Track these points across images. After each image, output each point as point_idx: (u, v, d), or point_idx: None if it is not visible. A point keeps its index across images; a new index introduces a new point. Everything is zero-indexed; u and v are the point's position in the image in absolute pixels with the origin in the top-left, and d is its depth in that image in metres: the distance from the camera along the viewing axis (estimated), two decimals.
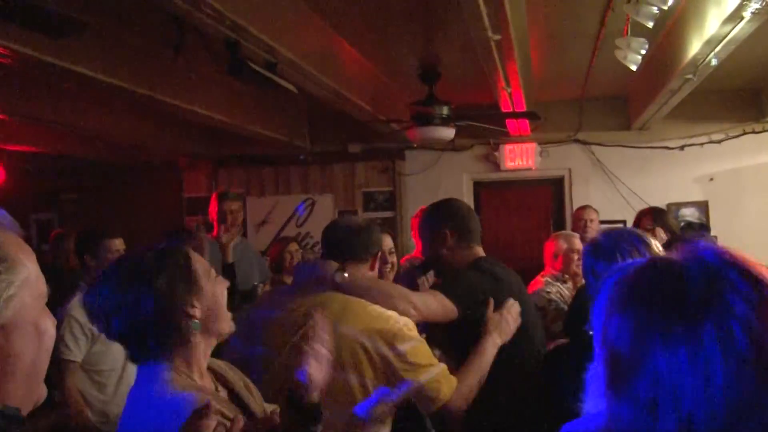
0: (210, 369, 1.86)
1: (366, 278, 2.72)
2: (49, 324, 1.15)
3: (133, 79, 4.87)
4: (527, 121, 7.65)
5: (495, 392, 2.78)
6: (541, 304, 4.31)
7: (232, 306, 1.92)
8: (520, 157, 8.40)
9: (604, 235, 2.59)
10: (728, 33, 4.23)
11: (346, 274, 2.61)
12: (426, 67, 6.23)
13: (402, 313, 2.63)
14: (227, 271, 4.36)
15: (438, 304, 2.76)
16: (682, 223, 7.77)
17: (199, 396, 1.59)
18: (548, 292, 4.64)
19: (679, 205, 8.08)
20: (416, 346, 2.48)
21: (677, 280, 1.02)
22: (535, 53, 5.74)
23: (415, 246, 5.32)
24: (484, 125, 6.92)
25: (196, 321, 1.74)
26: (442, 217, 3.08)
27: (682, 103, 6.57)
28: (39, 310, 1.13)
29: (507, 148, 8.39)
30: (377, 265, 2.74)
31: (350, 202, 8.74)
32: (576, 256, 4.78)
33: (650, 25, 4.03)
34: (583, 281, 3.95)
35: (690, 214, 8.04)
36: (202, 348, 1.78)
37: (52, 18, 3.37)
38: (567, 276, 4.83)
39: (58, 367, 3.71)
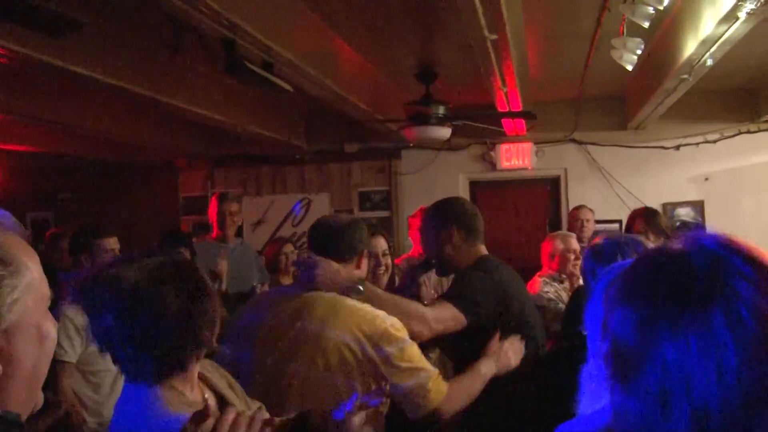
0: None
1: (386, 295, 2.76)
2: (51, 328, 1.15)
3: (130, 78, 4.86)
4: (523, 121, 7.65)
5: (495, 391, 2.79)
6: (540, 304, 4.33)
7: (228, 308, 1.91)
8: (516, 157, 8.40)
9: (606, 239, 2.62)
10: (723, 33, 4.24)
11: (361, 288, 2.62)
12: (423, 66, 6.23)
13: (416, 334, 2.66)
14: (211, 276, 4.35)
15: (451, 318, 2.80)
16: (678, 223, 7.81)
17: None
18: (546, 292, 4.66)
19: (675, 205, 8.09)
20: (404, 348, 2.45)
21: (681, 267, 1.00)
22: (531, 53, 5.74)
23: (411, 245, 5.32)
24: (480, 125, 6.93)
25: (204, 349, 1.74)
26: (449, 215, 3.10)
27: (677, 103, 6.58)
28: (42, 313, 1.13)
29: (503, 148, 8.40)
30: (364, 264, 2.71)
31: (347, 202, 8.73)
32: (572, 256, 4.80)
33: (646, 25, 4.04)
34: (581, 281, 3.97)
35: (685, 213, 8.05)
36: (197, 362, 1.78)
37: (50, 17, 3.36)
38: (564, 276, 4.84)
39: (52, 368, 3.69)
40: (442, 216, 3.12)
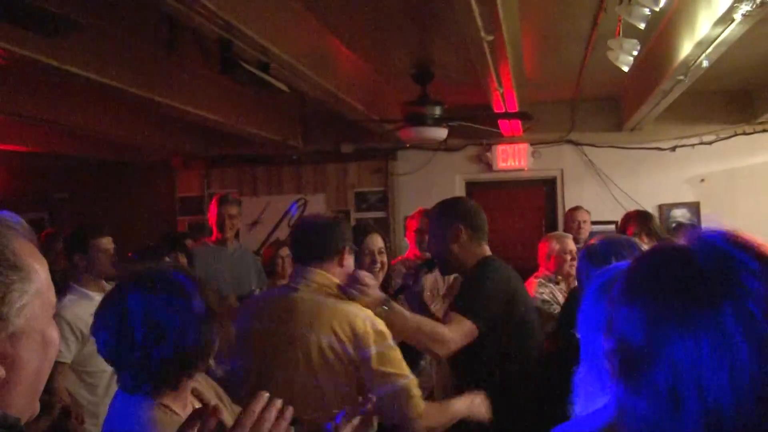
0: None
1: (410, 316, 2.82)
2: (55, 335, 1.15)
3: (126, 79, 4.85)
4: (519, 122, 7.66)
5: (496, 391, 2.83)
6: (534, 305, 4.33)
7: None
8: (513, 158, 8.41)
9: (600, 240, 2.62)
10: (719, 35, 4.24)
11: (386, 307, 2.71)
12: (419, 67, 6.23)
13: (438, 354, 2.79)
14: None
15: (468, 334, 2.85)
16: (674, 224, 7.82)
17: None
18: (542, 293, 4.66)
19: (671, 206, 8.10)
20: (383, 353, 2.44)
21: (687, 264, 0.97)
22: (527, 54, 5.74)
23: (408, 246, 5.31)
24: (476, 125, 6.92)
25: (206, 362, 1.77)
26: (456, 213, 3.14)
27: (673, 105, 6.59)
28: (47, 320, 1.13)
29: (499, 149, 8.40)
30: (347, 260, 2.71)
31: (343, 202, 8.73)
32: (569, 257, 4.80)
33: (642, 26, 4.04)
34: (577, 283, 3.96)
35: (681, 215, 8.07)
36: (190, 381, 1.79)
37: (46, 17, 3.36)
38: (560, 277, 4.84)
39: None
40: (450, 213, 3.15)
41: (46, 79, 5.27)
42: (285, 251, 5.40)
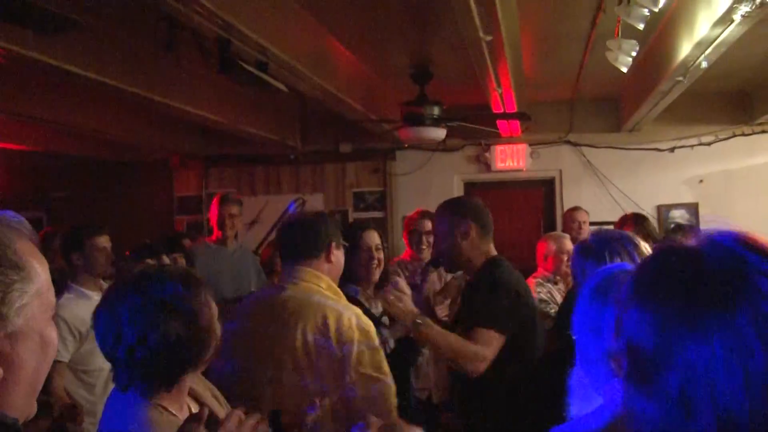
0: None
1: (441, 335, 2.88)
2: (54, 335, 1.15)
3: (124, 77, 4.85)
4: (518, 122, 7.66)
5: (497, 392, 2.87)
6: None
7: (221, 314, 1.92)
8: (511, 158, 8.41)
9: (593, 236, 2.61)
10: (718, 35, 4.24)
11: (420, 321, 2.79)
12: (417, 67, 6.23)
13: (469, 369, 2.82)
14: None
15: (497, 346, 2.88)
16: (672, 225, 7.83)
17: None
18: (539, 293, 4.66)
19: (669, 207, 8.11)
20: (365, 352, 2.43)
21: (698, 266, 0.95)
22: (526, 54, 5.74)
23: (405, 247, 5.31)
24: (475, 126, 6.92)
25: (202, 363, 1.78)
26: (467, 211, 3.15)
27: (672, 105, 6.59)
28: (46, 320, 1.13)
29: (498, 149, 8.40)
30: (336, 255, 2.69)
31: (341, 202, 8.73)
32: (566, 257, 4.80)
33: (641, 27, 4.04)
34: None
35: (680, 215, 8.07)
36: (190, 380, 1.80)
37: (45, 16, 3.35)
38: (558, 277, 4.85)
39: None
40: (461, 211, 3.16)
41: (44, 79, 5.26)
42: None
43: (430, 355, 4.22)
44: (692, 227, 7.66)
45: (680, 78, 5.29)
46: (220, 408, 1.96)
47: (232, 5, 3.78)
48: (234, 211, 5.41)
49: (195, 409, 1.86)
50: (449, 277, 4.58)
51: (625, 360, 0.99)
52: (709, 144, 8.00)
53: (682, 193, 8.13)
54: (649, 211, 7.78)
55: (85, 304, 3.77)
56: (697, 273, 0.94)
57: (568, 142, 8.32)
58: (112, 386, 1.82)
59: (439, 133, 6.60)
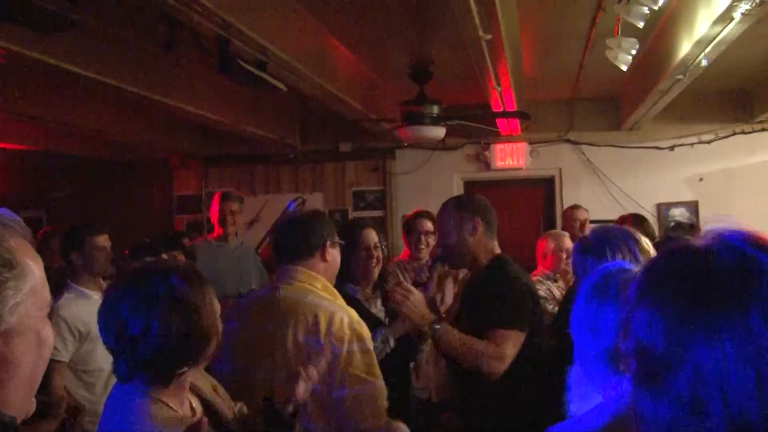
0: None
1: (459, 337, 2.88)
2: (49, 333, 1.15)
3: (124, 77, 4.84)
4: (518, 121, 7.65)
5: (499, 388, 2.87)
6: None
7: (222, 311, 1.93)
8: (511, 157, 8.41)
9: (594, 232, 2.60)
10: (718, 34, 4.24)
11: (438, 326, 2.82)
12: (417, 66, 6.23)
13: (491, 370, 2.82)
14: None
15: (518, 344, 2.90)
16: (672, 223, 7.83)
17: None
18: (538, 290, 4.66)
19: (669, 205, 8.10)
20: (355, 353, 2.40)
21: (709, 267, 0.94)
22: (526, 53, 5.74)
23: (404, 247, 5.30)
24: (474, 125, 6.92)
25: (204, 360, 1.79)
26: (475, 208, 3.16)
27: (672, 104, 6.59)
28: (41, 318, 1.13)
29: (497, 148, 8.40)
30: (331, 254, 2.67)
31: (341, 201, 8.73)
32: (564, 255, 4.81)
33: (641, 25, 4.04)
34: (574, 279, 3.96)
35: (680, 214, 8.07)
36: (191, 376, 1.80)
37: (44, 15, 3.35)
38: (558, 275, 4.85)
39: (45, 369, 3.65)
40: (469, 208, 3.17)
41: (44, 78, 5.26)
42: None
43: (430, 354, 4.22)
44: (692, 225, 7.68)
45: (680, 76, 5.29)
46: (221, 401, 1.97)
47: (232, 4, 3.78)
48: (235, 207, 5.41)
49: (196, 404, 1.87)
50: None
51: (633, 361, 0.98)
52: (709, 142, 8.00)
53: (682, 192, 8.13)
54: (649, 210, 7.79)
55: (85, 303, 3.77)
56: (708, 273, 0.93)
57: (568, 141, 8.32)
58: (112, 386, 1.82)
59: (439, 132, 6.60)
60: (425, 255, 4.83)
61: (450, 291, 4.34)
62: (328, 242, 2.66)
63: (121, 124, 7.03)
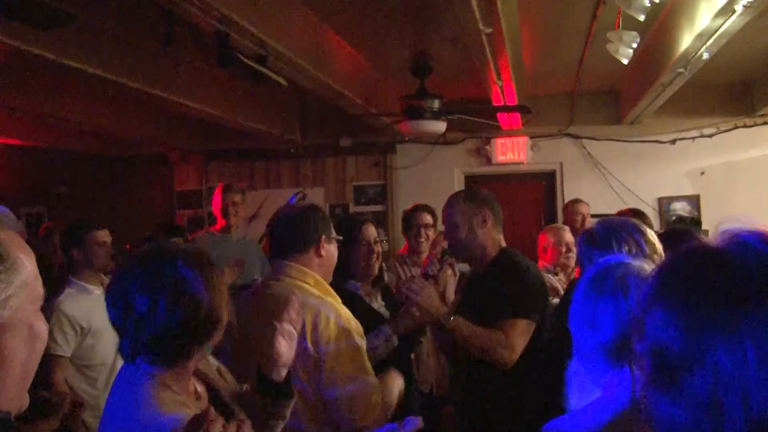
0: None
1: (470, 328, 2.90)
2: (43, 327, 1.14)
3: (124, 72, 4.84)
4: (519, 115, 7.63)
5: (501, 383, 2.90)
6: None
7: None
8: (512, 151, 8.40)
9: (600, 224, 2.58)
10: (720, 27, 4.23)
11: (452, 318, 2.85)
12: (417, 60, 6.21)
13: (503, 359, 2.84)
14: None
15: (528, 331, 2.93)
16: (673, 217, 7.82)
17: (186, 416, 1.57)
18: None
19: (671, 199, 8.10)
20: (341, 350, 2.36)
21: (726, 267, 0.92)
22: (526, 47, 5.73)
23: (404, 241, 5.30)
24: (475, 119, 6.91)
25: (209, 345, 1.77)
26: (483, 200, 3.20)
27: (673, 98, 6.58)
28: (34, 312, 1.13)
29: (498, 142, 8.39)
30: (326, 249, 2.63)
31: (341, 196, 8.73)
32: (564, 249, 4.82)
33: (642, 18, 4.02)
34: (575, 274, 3.96)
35: (681, 208, 8.06)
36: (196, 361, 1.79)
37: (42, 10, 3.34)
38: (558, 268, 4.85)
39: (47, 364, 3.66)
40: (477, 200, 3.20)
41: (43, 74, 5.25)
42: None
43: (431, 347, 4.22)
44: (694, 219, 7.67)
45: (681, 70, 5.28)
46: (225, 383, 1.97)
47: None
48: (237, 199, 5.42)
49: (200, 389, 1.86)
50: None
51: (648, 362, 0.96)
52: (710, 136, 7.99)
53: (684, 186, 8.12)
54: (650, 204, 7.79)
55: (86, 298, 3.78)
56: (726, 275, 0.92)
57: (569, 135, 8.31)
58: (113, 380, 1.82)
59: (440, 126, 6.59)
60: (425, 248, 4.83)
61: (451, 284, 4.33)
62: (324, 237, 2.62)
63: (121, 120, 7.03)
